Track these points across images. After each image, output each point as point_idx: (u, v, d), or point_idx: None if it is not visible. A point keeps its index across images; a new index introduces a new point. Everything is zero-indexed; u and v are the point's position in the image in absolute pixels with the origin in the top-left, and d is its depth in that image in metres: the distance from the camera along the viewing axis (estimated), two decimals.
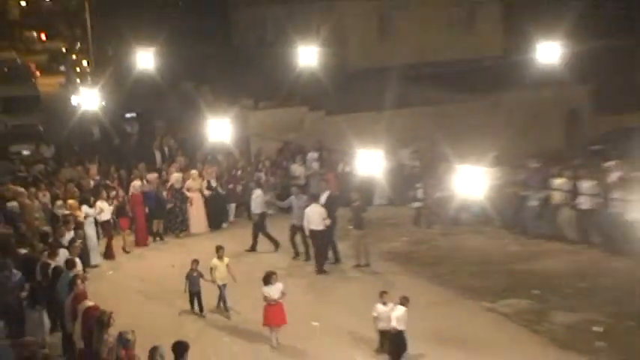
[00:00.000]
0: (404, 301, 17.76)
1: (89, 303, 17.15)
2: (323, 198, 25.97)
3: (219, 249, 21.97)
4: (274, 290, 19.33)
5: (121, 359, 14.90)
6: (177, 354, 14.04)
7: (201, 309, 21.44)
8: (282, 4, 45.39)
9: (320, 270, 25.31)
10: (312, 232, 25.22)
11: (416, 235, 28.88)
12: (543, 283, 23.55)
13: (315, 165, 32.34)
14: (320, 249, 25.37)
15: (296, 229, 26.21)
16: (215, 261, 21.33)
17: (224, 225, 30.55)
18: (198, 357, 15.53)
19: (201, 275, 21.29)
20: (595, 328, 20.28)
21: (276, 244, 27.28)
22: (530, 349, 19.52)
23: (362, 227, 26.00)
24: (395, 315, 17.56)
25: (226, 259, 21.71)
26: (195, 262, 21.52)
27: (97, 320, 15.85)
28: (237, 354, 19.41)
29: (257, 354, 19.33)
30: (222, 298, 21.61)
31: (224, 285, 21.45)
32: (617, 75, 41.16)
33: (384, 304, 18.19)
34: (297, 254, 26.24)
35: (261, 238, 27.56)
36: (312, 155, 33.08)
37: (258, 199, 27.24)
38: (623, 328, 20.23)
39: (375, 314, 18.30)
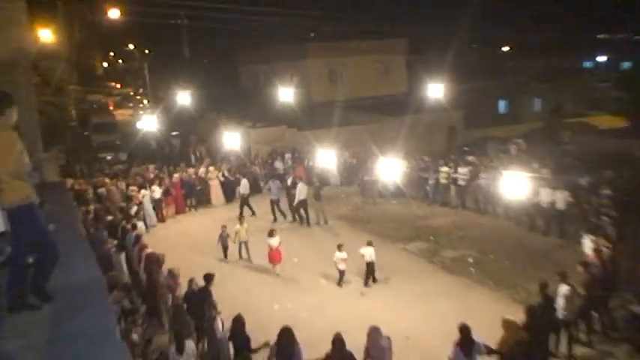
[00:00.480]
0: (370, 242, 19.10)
1: (149, 250, 17.34)
2: (299, 187, 25.62)
3: (240, 218, 22.07)
4: (274, 241, 19.74)
5: (170, 286, 15.29)
6: (206, 281, 14.52)
7: (225, 256, 21.24)
8: (269, 63, 45.37)
9: (302, 224, 25.72)
10: (300, 201, 25.49)
11: (355, 204, 28.92)
12: (436, 232, 23.75)
13: (290, 162, 32.30)
14: (305, 211, 25.62)
15: (274, 202, 26.30)
16: (238, 227, 21.29)
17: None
18: (222, 284, 15.47)
19: (228, 235, 21.24)
20: (469, 260, 20.62)
21: (254, 212, 27.05)
22: (429, 273, 19.95)
23: (320, 199, 26.05)
24: (366, 252, 18.69)
25: (245, 225, 21.58)
26: (224, 226, 21.50)
27: (155, 261, 16.34)
28: (252, 282, 19.47)
29: (264, 280, 19.52)
30: (241, 250, 21.43)
31: (245, 242, 21.37)
32: (479, 104, 41.46)
33: (340, 251, 18.58)
34: (275, 219, 25.98)
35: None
36: (288, 155, 33.26)
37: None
38: (486, 259, 20.54)
39: (335, 259, 18.64)
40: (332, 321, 15.89)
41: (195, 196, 29.16)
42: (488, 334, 12.05)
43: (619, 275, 15.91)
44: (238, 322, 12.25)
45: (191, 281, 14.79)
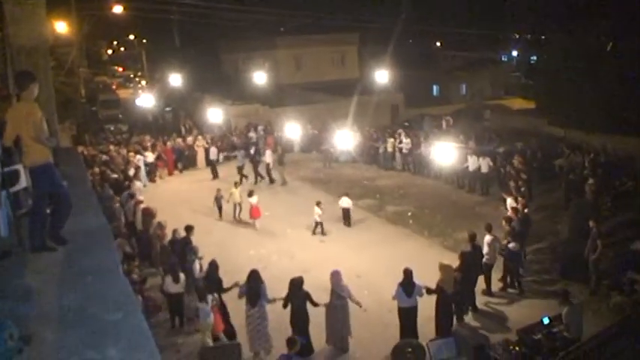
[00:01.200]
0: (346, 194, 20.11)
1: (143, 205, 17.35)
2: (267, 154, 25.99)
3: (235, 183, 21.30)
4: (254, 199, 19.36)
5: (159, 235, 15.14)
6: (187, 231, 14.46)
7: (220, 215, 20.38)
8: (246, 52, 45.22)
9: (272, 181, 25.51)
10: (267, 164, 25.61)
11: (316, 168, 28.67)
12: (381, 191, 23.76)
13: (262, 132, 31.91)
14: (269, 173, 25.59)
15: (239, 168, 25.69)
16: (233, 189, 20.34)
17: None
18: (208, 234, 15.28)
19: (222, 197, 20.31)
20: (408, 214, 20.72)
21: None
22: (375, 225, 20.06)
23: (283, 164, 25.85)
24: (344, 203, 19.71)
25: (239, 188, 20.70)
26: (219, 190, 20.71)
27: (149, 214, 16.36)
28: (233, 232, 19.14)
29: (242, 231, 19.27)
30: (235, 211, 20.36)
31: (239, 203, 20.30)
32: (416, 88, 41.54)
33: (319, 207, 18.69)
34: (241, 181, 25.12)
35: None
36: (261, 127, 32.69)
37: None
38: (422, 213, 20.70)
39: (316, 215, 18.70)
40: (297, 262, 16.06)
41: (183, 160, 28.65)
42: (423, 273, 12.27)
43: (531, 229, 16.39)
44: (212, 266, 12.30)
45: (175, 231, 14.77)
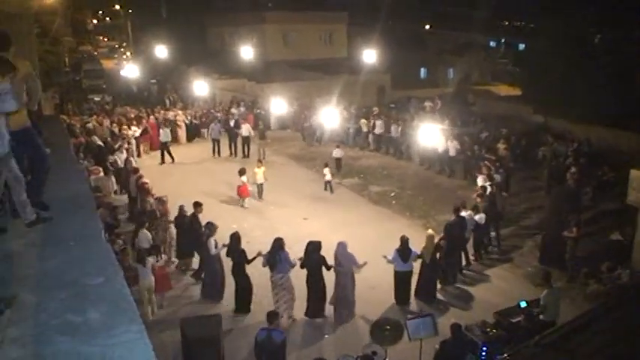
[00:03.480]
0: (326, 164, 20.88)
1: (143, 180, 16.95)
2: (244, 128, 25.98)
3: (259, 162, 20.65)
4: (244, 178, 19.00)
5: (160, 211, 14.89)
6: (195, 207, 14.19)
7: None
8: (233, 26, 45.02)
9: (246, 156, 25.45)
10: (244, 137, 25.74)
11: (301, 145, 28.58)
12: (365, 171, 23.77)
13: (243, 109, 31.57)
14: (247, 146, 25.78)
15: (214, 141, 26.05)
16: (256, 169, 19.74)
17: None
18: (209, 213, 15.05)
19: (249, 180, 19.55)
20: (392, 194, 20.80)
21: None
22: (359, 204, 20.20)
23: (264, 138, 26.35)
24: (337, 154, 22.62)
25: (263, 168, 19.97)
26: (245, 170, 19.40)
27: (143, 190, 16.09)
28: (217, 208, 18.39)
29: (227, 207, 19.07)
30: (260, 191, 19.93)
31: (261, 184, 19.85)
32: (404, 70, 41.48)
33: (326, 167, 21.16)
34: (214, 153, 25.90)
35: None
36: (242, 104, 32.38)
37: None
38: (405, 194, 20.80)
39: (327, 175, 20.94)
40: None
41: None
42: None
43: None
44: (234, 238, 12.35)
45: (181, 207, 14.45)
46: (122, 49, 65.44)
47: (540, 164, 22.18)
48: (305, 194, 19.88)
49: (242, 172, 19.03)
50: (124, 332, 3.66)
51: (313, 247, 11.89)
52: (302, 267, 11.91)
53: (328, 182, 21.04)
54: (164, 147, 24.67)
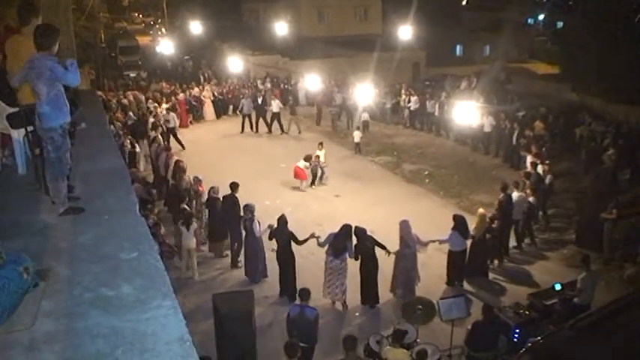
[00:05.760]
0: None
1: (176, 158, 16.78)
2: (274, 104, 25.96)
3: (320, 144, 19.59)
4: (301, 163, 18.32)
5: (196, 192, 14.63)
6: (232, 188, 13.46)
7: (314, 182, 18.92)
8: (268, 2, 45.00)
9: (283, 132, 25.67)
10: (273, 113, 25.70)
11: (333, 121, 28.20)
12: (398, 149, 23.49)
13: (269, 85, 31.38)
14: (279, 121, 25.77)
15: (245, 116, 25.86)
16: (318, 152, 18.89)
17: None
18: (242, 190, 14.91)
19: (317, 164, 18.77)
20: (425, 172, 20.59)
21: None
22: (393, 182, 19.93)
23: (295, 114, 26.17)
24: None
25: (324, 150, 19.24)
26: (317, 156, 18.91)
27: (179, 169, 15.47)
28: (254, 184, 17.25)
29: (259, 182, 18.26)
30: (322, 173, 19.07)
31: (325, 166, 19.15)
32: (439, 47, 40.85)
33: (358, 130, 22.87)
34: (242, 129, 25.84)
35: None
36: (268, 79, 32.45)
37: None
38: (440, 172, 20.56)
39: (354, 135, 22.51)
40: (311, 215, 16.04)
41: (192, 111, 28.18)
42: (435, 232, 12.33)
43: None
44: (282, 220, 11.94)
45: (211, 189, 13.85)
46: (157, 26, 65.66)
47: (578, 144, 21.70)
48: (337, 171, 19.59)
49: (308, 159, 18.43)
50: (157, 307, 3.66)
51: (363, 233, 11.43)
52: (356, 258, 11.44)
53: (357, 145, 22.30)
54: (170, 132, 22.95)
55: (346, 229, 11.34)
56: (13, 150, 6.75)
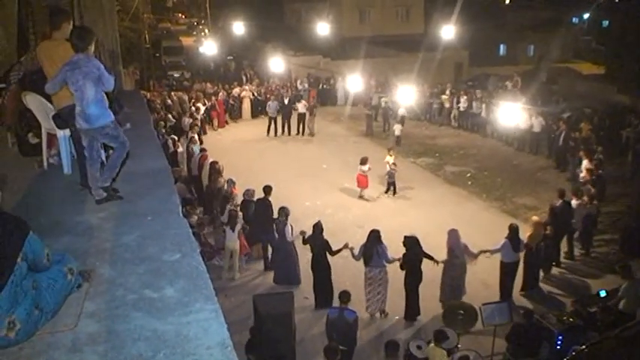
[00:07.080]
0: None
1: (211, 159, 16.43)
2: (299, 105, 25.92)
3: (389, 149, 18.78)
4: (366, 167, 17.36)
5: (231, 194, 14.56)
6: (265, 192, 13.14)
7: (389, 190, 18.18)
8: (309, 2, 45.09)
9: (312, 134, 25.52)
10: (299, 114, 25.62)
11: (375, 123, 27.67)
12: (441, 150, 23.20)
13: (306, 85, 31.63)
14: (303, 124, 25.72)
15: (271, 119, 25.56)
16: (388, 157, 17.93)
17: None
18: (282, 191, 14.81)
19: (395, 172, 17.95)
20: (468, 175, 20.28)
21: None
22: (435, 184, 19.70)
23: (313, 114, 25.81)
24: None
25: (393, 156, 18.20)
26: (394, 164, 17.99)
27: (216, 171, 15.45)
28: (295, 185, 17.94)
29: (299, 182, 18.64)
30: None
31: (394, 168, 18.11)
32: (482, 46, 40.37)
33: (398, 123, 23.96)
34: (268, 132, 25.58)
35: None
36: (305, 80, 32.66)
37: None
38: (482, 175, 20.20)
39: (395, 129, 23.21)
40: (352, 217, 15.99)
41: (230, 111, 28.39)
42: (478, 236, 12.22)
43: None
44: (318, 228, 11.66)
45: (246, 192, 13.78)
46: (200, 26, 66.37)
47: (624, 147, 21.13)
48: (378, 172, 19.52)
49: (364, 162, 17.48)
50: (199, 310, 3.62)
51: (413, 243, 10.95)
52: (402, 268, 10.98)
53: (398, 137, 23.45)
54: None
55: (374, 235, 10.98)
56: (59, 150, 6.84)
